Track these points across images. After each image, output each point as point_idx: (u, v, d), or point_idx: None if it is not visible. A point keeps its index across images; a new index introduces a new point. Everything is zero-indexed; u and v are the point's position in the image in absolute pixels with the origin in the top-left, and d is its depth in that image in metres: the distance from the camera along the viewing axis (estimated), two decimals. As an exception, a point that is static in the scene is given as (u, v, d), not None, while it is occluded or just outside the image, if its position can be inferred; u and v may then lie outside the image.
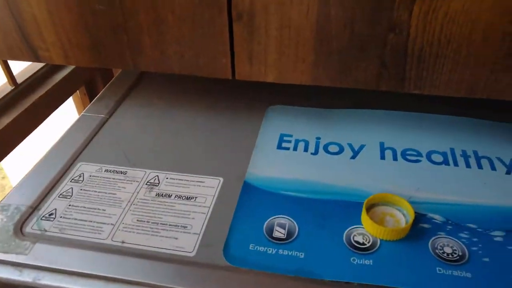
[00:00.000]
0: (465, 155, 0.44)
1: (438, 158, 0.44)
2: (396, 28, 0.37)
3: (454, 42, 0.36)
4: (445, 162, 0.43)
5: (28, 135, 0.61)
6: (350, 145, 0.45)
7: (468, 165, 0.42)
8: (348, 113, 0.51)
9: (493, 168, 0.42)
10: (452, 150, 0.44)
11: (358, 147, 0.45)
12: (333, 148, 0.45)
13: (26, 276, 0.35)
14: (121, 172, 0.44)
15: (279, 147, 0.46)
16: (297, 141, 0.46)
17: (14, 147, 0.59)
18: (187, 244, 0.36)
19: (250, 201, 0.39)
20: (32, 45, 0.43)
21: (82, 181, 0.43)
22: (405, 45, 0.38)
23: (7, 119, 0.57)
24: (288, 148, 0.46)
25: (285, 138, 0.47)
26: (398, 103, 0.52)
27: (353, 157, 0.44)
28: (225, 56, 0.43)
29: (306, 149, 0.45)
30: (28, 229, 0.38)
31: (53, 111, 0.66)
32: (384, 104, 0.52)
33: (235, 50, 0.41)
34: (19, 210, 0.40)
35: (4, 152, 0.57)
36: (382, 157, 0.44)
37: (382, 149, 0.45)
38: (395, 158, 0.44)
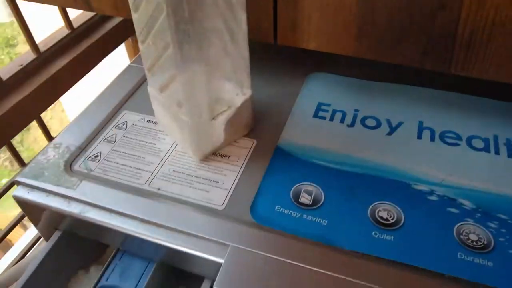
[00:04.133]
0: (509, 144, 0.42)
1: (479, 144, 0.42)
2: (447, 6, 0.35)
3: (508, 27, 0.34)
4: (486, 149, 0.41)
5: (82, 77, 0.65)
6: (388, 121, 0.45)
7: (510, 155, 0.41)
8: (390, 87, 0.49)
9: (537, 160, 0.40)
10: (495, 137, 0.43)
11: (396, 124, 0.44)
12: (370, 122, 0.45)
13: (73, 208, 0.38)
14: (162, 124, 0.46)
15: (316, 115, 0.46)
16: (334, 111, 0.46)
17: (71, 87, 0.63)
18: (217, 197, 0.38)
19: (280, 166, 0.40)
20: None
21: (126, 128, 0.46)
22: (455, 25, 0.36)
23: (64, 61, 0.60)
24: (324, 118, 0.46)
25: (322, 107, 0.47)
26: (443, 82, 0.50)
27: (389, 133, 0.43)
28: (267, 20, 0.42)
29: (342, 120, 0.45)
30: (76, 167, 0.42)
31: (106, 55, 0.69)
32: (428, 81, 0.50)
33: (278, 15, 0.41)
34: (69, 149, 0.43)
35: (62, 90, 0.62)
36: (419, 136, 0.43)
37: (420, 128, 0.44)
38: (432, 139, 0.43)
